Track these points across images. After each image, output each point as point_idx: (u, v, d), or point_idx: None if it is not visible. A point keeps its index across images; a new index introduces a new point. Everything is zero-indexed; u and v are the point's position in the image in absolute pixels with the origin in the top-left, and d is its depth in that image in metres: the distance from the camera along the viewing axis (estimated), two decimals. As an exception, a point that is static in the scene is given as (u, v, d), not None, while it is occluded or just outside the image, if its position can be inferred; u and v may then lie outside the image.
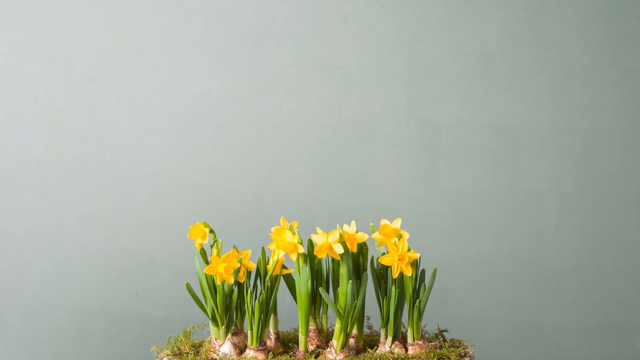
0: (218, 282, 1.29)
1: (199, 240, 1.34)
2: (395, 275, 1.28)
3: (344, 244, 1.28)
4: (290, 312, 1.49)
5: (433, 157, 1.82)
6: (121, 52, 1.81)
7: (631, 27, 1.82)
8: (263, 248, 1.32)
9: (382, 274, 1.32)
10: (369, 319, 1.40)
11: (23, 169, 1.80)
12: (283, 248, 1.29)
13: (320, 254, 1.27)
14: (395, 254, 1.28)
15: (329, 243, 1.27)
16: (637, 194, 1.83)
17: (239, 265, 1.29)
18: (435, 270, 1.31)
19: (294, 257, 1.29)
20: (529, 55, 1.82)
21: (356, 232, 1.32)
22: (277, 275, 1.32)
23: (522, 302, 1.83)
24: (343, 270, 1.28)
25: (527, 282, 1.83)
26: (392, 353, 1.28)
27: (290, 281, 1.34)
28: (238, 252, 1.31)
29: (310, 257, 1.30)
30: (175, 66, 1.81)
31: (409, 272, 1.28)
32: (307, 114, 1.82)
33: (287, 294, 1.39)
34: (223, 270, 1.28)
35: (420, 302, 1.30)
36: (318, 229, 1.29)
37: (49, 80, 1.80)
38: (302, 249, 1.29)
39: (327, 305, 1.34)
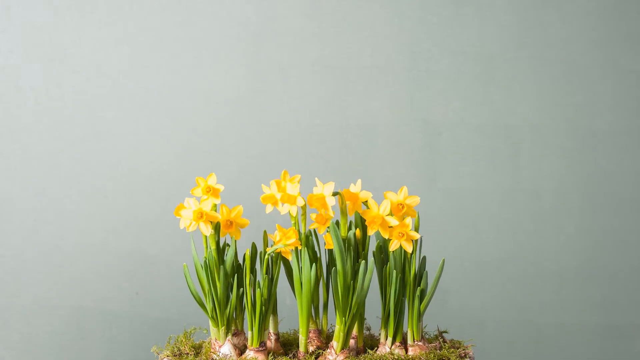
0: (189, 227, 1.28)
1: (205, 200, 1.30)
2: (370, 232, 1.26)
3: (344, 207, 1.26)
4: (291, 312, 1.49)
5: (433, 157, 1.82)
6: (121, 52, 1.81)
7: (631, 27, 1.82)
8: (265, 232, 1.31)
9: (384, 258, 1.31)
10: (364, 319, 1.39)
11: (23, 169, 1.80)
12: (284, 200, 1.26)
13: (312, 203, 1.25)
14: (372, 213, 1.26)
15: (323, 195, 1.26)
16: (637, 194, 1.83)
17: (217, 219, 1.28)
18: (443, 261, 1.30)
19: (293, 210, 1.27)
20: (529, 55, 1.82)
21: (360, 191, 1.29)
22: (278, 256, 1.31)
23: (522, 302, 1.83)
24: (333, 238, 1.25)
25: (527, 282, 1.83)
26: (392, 354, 1.28)
27: (289, 272, 1.32)
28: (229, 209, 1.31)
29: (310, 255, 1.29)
30: (175, 66, 1.81)
31: (386, 234, 1.26)
32: (307, 114, 1.82)
33: (287, 294, 1.39)
34: (195, 215, 1.27)
35: (421, 290, 1.29)
36: (317, 180, 1.28)
37: (49, 80, 1.80)
38: (301, 201, 1.26)
39: (327, 304, 1.34)
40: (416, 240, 1.29)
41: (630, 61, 1.82)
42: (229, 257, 1.30)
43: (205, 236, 1.30)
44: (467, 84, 1.82)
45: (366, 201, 1.29)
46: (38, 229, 1.80)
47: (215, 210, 1.30)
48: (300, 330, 1.29)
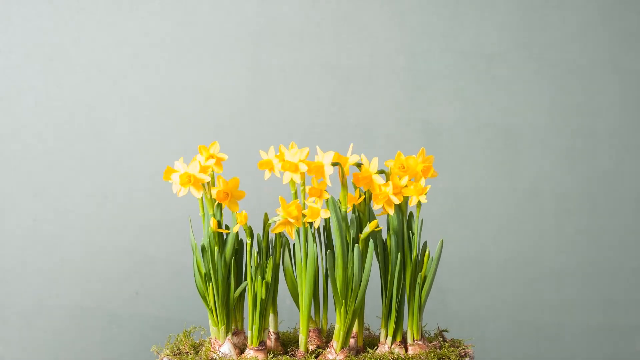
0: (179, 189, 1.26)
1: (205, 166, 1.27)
2: (361, 184, 1.24)
3: (345, 181, 1.24)
4: (291, 313, 1.49)
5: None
6: (121, 52, 1.81)
7: (631, 27, 1.82)
8: (266, 214, 1.30)
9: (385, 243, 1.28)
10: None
11: (23, 169, 1.80)
12: (285, 168, 1.24)
13: (310, 171, 1.23)
14: (362, 171, 1.24)
15: (321, 163, 1.24)
16: (637, 194, 1.83)
17: (204, 181, 1.26)
18: (441, 242, 1.30)
19: (296, 178, 1.25)
20: (529, 55, 1.82)
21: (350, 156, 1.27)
22: (278, 237, 1.29)
23: (522, 302, 1.83)
24: (331, 212, 1.22)
25: (527, 282, 1.83)
26: (392, 353, 1.28)
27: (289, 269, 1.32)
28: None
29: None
30: (176, 66, 1.81)
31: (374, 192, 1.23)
32: (307, 114, 1.82)
33: (288, 295, 1.38)
34: (183, 180, 1.25)
35: (423, 276, 1.28)
36: (318, 148, 1.27)
37: (49, 80, 1.80)
38: (304, 167, 1.23)
39: (327, 303, 1.34)
40: (417, 223, 1.28)
41: (630, 61, 1.82)
42: (230, 237, 1.29)
43: (205, 219, 1.29)
44: (467, 84, 1.82)
45: (359, 165, 1.28)
46: (38, 229, 1.80)
47: (214, 183, 1.28)
48: (301, 329, 1.29)
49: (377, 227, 1.26)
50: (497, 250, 1.83)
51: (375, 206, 1.26)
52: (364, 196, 1.28)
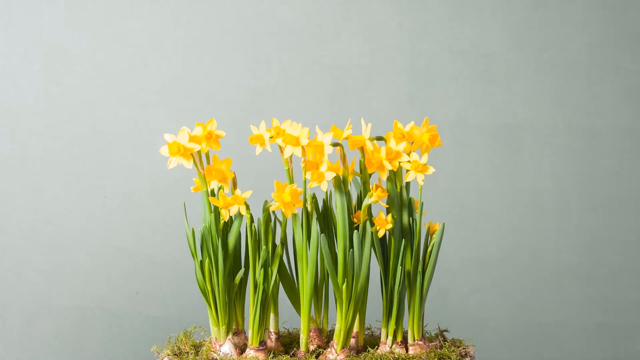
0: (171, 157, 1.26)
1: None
2: (355, 147, 1.22)
3: (346, 163, 1.23)
4: (291, 313, 1.49)
5: (433, 157, 1.82)
6: (121, 52, 1.81)
7: (631, 27, 1.82)
8: (265, 201, 1.30)
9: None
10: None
11: (23, 169, 1.80)
12: (286, 141, 1.22)
13: (310, 149, 1.22)
14: (360, 135, 1.24)
15: (322, 143, 1.23)
16: (637, 194, 1.83)
17: (193, 150, 1.24)
18: (443, 225, 1.29)
19: (297, 152, 1.23)
20: (529, 55, 1.82)
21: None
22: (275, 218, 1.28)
23: (522, 302, 1.83)
24: (336, 195, 1.20)
25: (527, 282, 1.83)
26: (393, 353, 1.28)
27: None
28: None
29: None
30: (175, 66, 1.82)
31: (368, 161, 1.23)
32: (307, 114, 1.82)
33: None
34: (172, 149, 1.23)
35: (424, 265, 1.28)
36: (317, 129, 1.27)
37: (49, 80, 1.80)
38: (305, 140, 1.21)
39: (328, 303, 1.34)
40: (419, 208, 1.27)
41: (630, 61, 1.82)
42: (235, 226, 1.28)
43: (207, 205, 1.28)
44: (467, 84, 1.82)
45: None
46: (38, 229, 1.80)
47: (208, 161, 1.27)
48: (302, 329, 1.29)
49: (382, 193, 1.24)
50: (497, 250, 1.83)
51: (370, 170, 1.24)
52: (353, 162, 1.27)
